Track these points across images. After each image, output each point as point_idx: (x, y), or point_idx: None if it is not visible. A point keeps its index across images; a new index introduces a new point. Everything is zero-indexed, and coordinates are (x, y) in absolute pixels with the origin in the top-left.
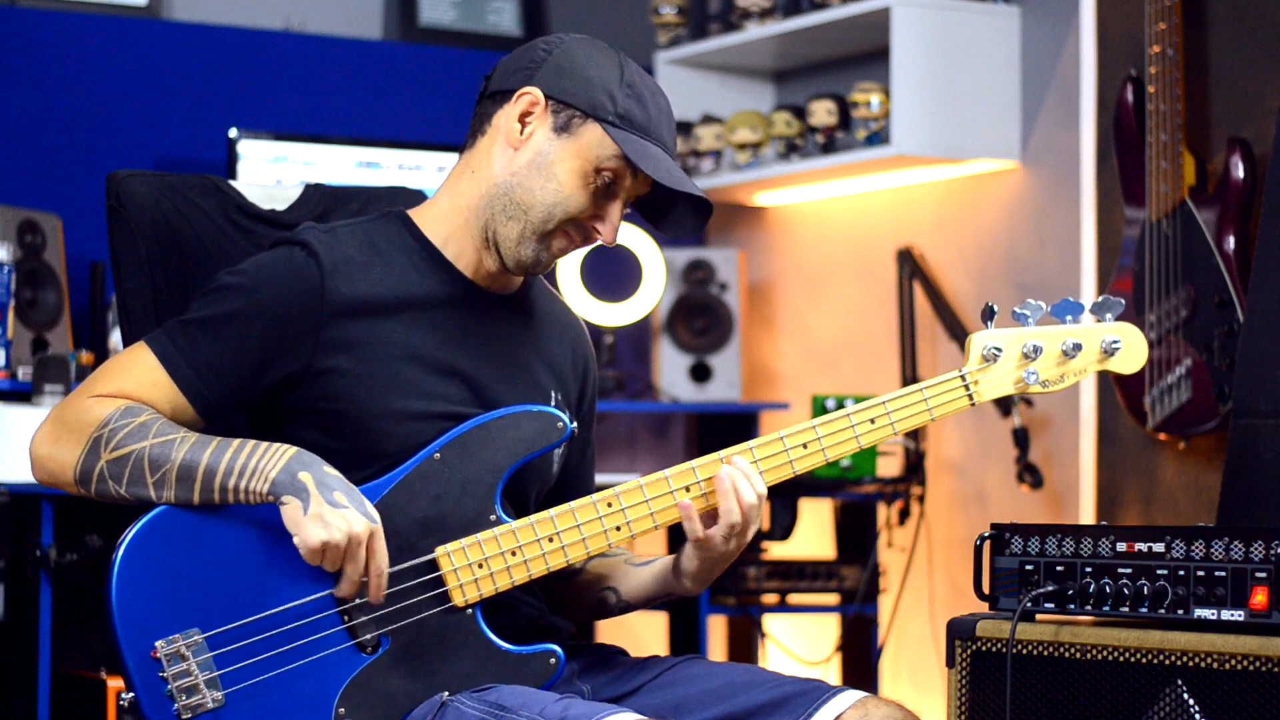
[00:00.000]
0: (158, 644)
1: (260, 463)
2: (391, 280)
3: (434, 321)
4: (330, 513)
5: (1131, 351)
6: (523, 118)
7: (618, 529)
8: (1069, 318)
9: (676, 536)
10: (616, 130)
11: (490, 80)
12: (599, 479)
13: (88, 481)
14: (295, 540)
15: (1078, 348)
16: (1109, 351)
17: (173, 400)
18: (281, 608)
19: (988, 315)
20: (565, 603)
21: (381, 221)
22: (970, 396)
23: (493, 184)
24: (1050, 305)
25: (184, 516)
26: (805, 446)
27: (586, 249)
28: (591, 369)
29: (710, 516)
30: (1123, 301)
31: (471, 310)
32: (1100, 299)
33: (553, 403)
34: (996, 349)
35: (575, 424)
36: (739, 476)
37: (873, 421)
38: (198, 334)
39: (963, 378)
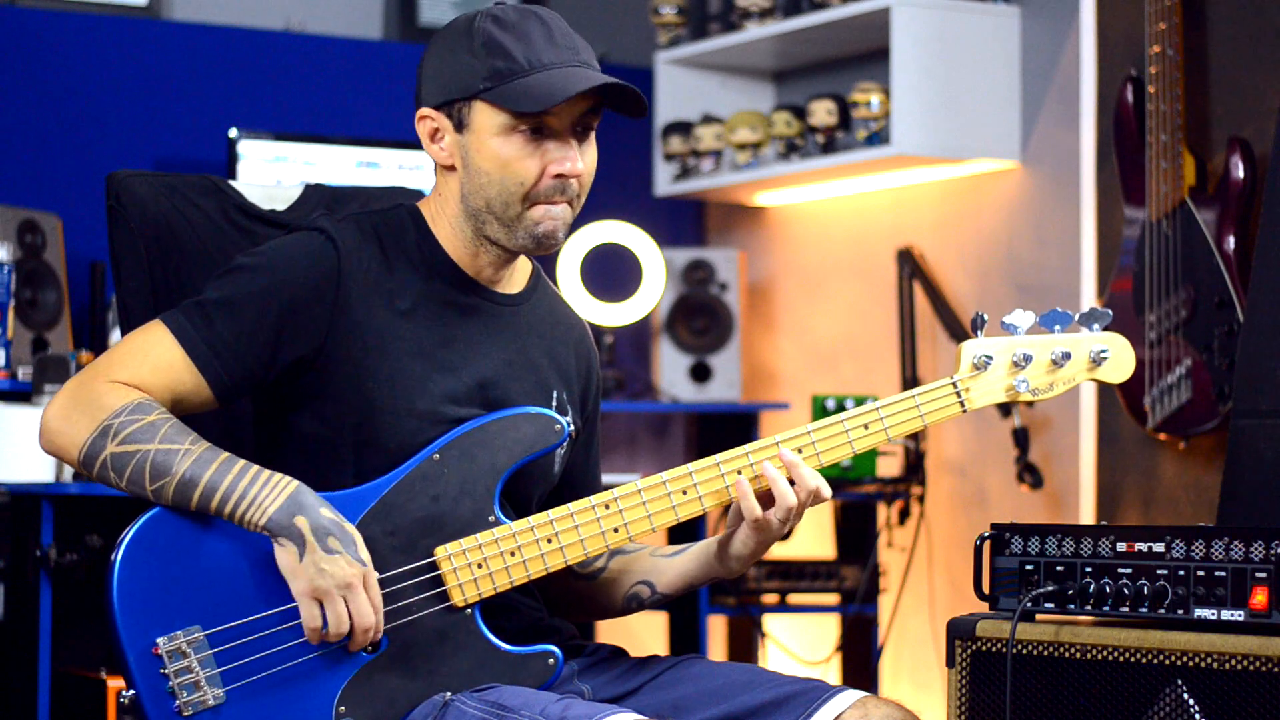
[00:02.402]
0: (159, 641)
1: (260, 494)
2: (401, 275)
3: (440, 320)
4: (324, 560)
5: (1119, 361)
6: (433, 139)
7: (615, 530)
8: (1057, 327)
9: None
10: (492, 93)
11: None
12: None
13: (91, 464)
14: (291, 587)
15: (1067, 356)
16: (1097, 360)
17: (190, 380)
18: (282, 606)
19: (978, 324)
20: (590, 604)
21: (393, 214)
22: (962, 404)
23: (456, 203)
24: (1039, 315)
25: (185, 514)
26: (800, 451)
27: (576, 192)
28: (595, 369)
29: (764, 499)
30: (1110, 312)
31: (477, 311)
32: (1088, 309)
33: (554, 401)
34: (987, 357)
35: (574, 426)
36: (796, 464)
37: (866, 427)
38: (214, 314)
39: (954, 385)
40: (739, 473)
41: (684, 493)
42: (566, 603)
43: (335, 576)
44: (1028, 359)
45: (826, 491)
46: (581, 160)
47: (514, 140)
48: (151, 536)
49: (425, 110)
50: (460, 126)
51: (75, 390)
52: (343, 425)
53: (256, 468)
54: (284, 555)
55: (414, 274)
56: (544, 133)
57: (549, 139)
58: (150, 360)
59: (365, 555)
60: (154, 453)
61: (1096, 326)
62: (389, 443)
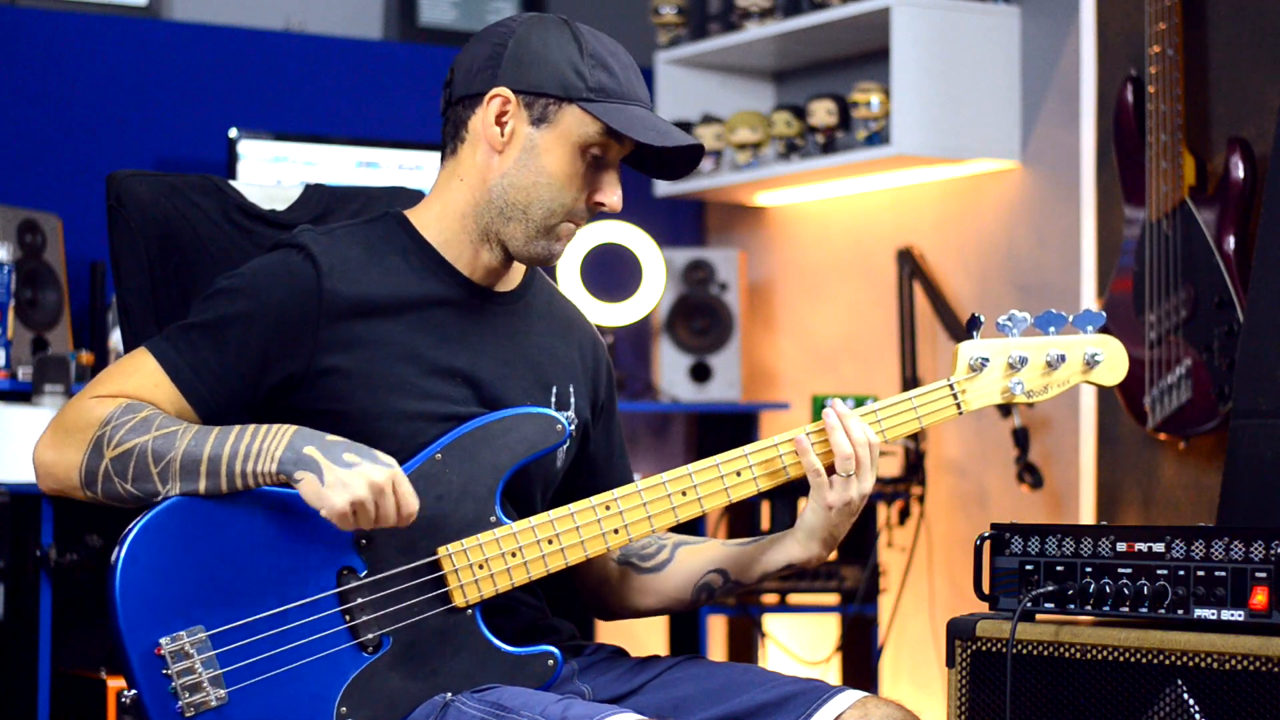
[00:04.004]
0: (161, 641)
1: (264, 444)
2: (390, 281)
3: (433, 322)
4: (346, 474)
5: (1113, 364)
6: (499, 119)
7: (615, 532)
8: (1052, 329)
9: None
10: (595, 105)
11: (451, 86)
12: None
13: (93, 483)
14: (323, 512)
15: (1061, 359)
16: (1091, 363)
17: (175, 404)
18: (284, 606)
19: (973, 325)
20: (653, 596)
21: (379, 223)
22: (958, 406)
23: (484, 189)
24: (1033, 317)
25: (187, 513)
26: (799, 452)
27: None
28: (603, 363)
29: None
30: (1104, 315)
31: (471, 310)
32: (1082, 311)
33: (553, 398)
34: (983, 359)
35: (574, 423)
36: (846, 415)
37: None
38: (197, 338)
39: (950, 387)
40: (683, 493)
41: (683, 494)
42: (627, 595)
43: (362, 483)
44: (1023, 361)
45: (875, 436)
46: (621, 195)
47: (583, 158)
48: (154, 536)
49: (503, 90)
50: (540, 121)
51: (60, 420)
52: (341, 433)
53: (253, 425)
54: (305, 486)
55: (405, 278)
56: (602, 161)
57: (603, 169)
58: (135, 379)
59: (388, 459)
60: (152, 440)
61: (1091, 329)
62: (389, 448)
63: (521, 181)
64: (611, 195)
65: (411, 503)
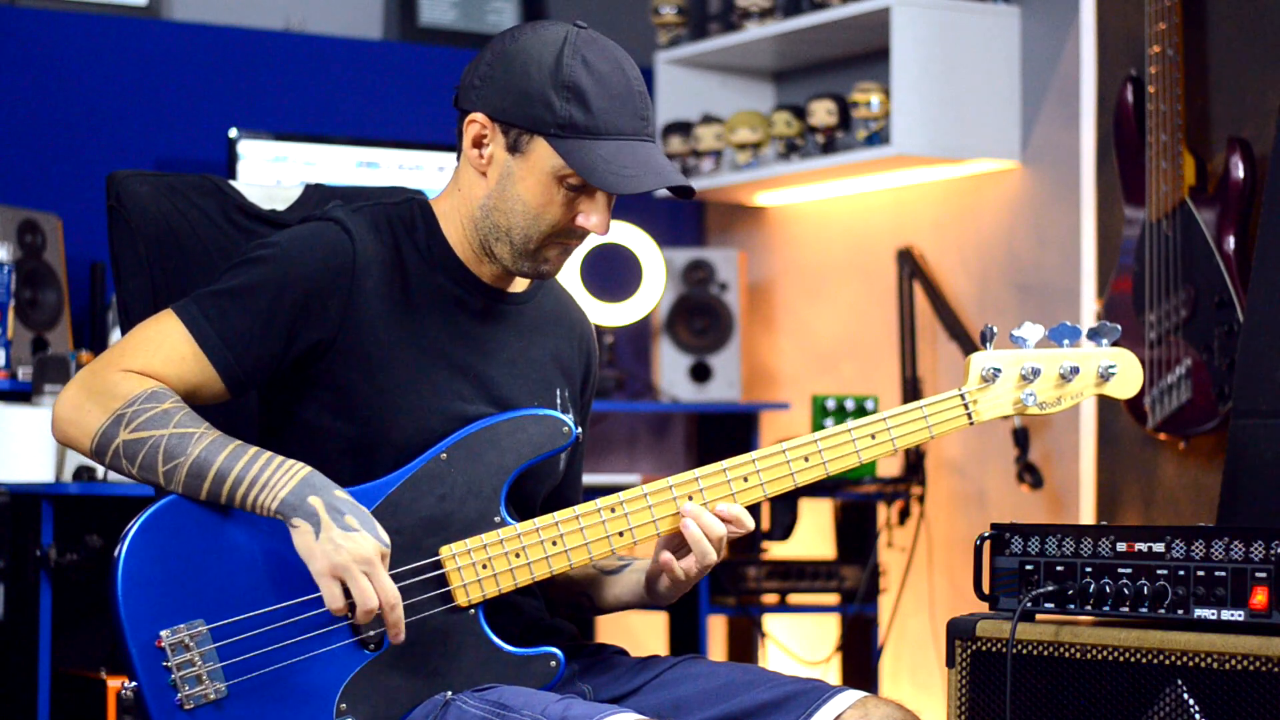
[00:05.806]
0: (162, 634)
1: (272, 477)
2: (411, 270)
3: (448, 317)
4: (342, 536)
5: (1127, 377)
6: (477, 144)
7: (620, 534)
8: (1066, 341)
9: None
10: (561, 143)
11: (459, 90)
12: (601, 479)
13: (103, 453)
14: (311, 568)
15: (1075, 371)
16: (1105, 376)
17: (202, 372)
18: (286, 603)
19: (987, 337)
20: (550, 593)
21: (405, 208)
22: (970, 416)
23: (475, 206)
24: (1048, 329)
25: (190, 508)
26: (806, 459)
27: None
28: (594, 365)
29: (679, 544)
30: (1119, 328)
31: (483, 310)
32: (1097, 324)
33: (558, 399)
34: (995, 370)
35: (580, 430)
36: (702, 515)
37: (873, 437)
38: (227, 304)
39: (962, 397)
40: (689, 497)
41: (690, 498)
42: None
43: (354, 553)
44: (1036, 373)
45: (748, 523)
46: (608, 218)
47: (560, 187)
48: (156, 529)
49: (480, 117)
50: (514, 149)
51: (87, 380)
52: (350, 418)
53: (269, 454)
54: (300, 536)
55: (423, 270)
56: (587, 188)
57: (589, 193)
58: (162, 351)
59: (384, 535)
60: (167, 437)
61: (1105, 342)
62: (396, 438)
63: (501, 205)
64: (592, 218)
65: (393, 590)
